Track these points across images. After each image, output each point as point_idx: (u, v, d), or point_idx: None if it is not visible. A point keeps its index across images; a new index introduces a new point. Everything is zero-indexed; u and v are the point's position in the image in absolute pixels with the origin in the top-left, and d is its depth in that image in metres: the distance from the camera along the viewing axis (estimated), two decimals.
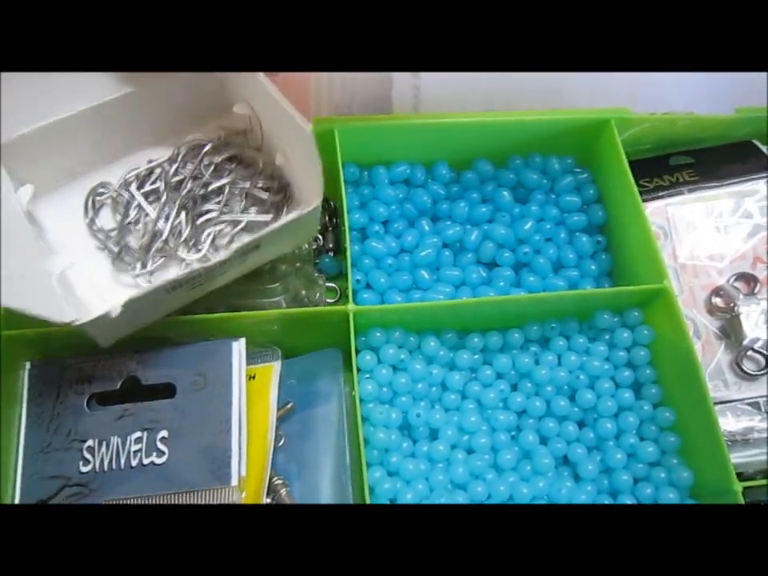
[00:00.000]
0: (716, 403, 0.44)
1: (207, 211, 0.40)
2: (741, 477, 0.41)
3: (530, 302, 0.44)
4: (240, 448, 0.38)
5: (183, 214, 0.40)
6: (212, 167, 0.41)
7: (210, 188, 0.40)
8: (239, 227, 0.40)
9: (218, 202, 0.41)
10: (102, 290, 0.39)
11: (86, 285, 0.39)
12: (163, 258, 0.39)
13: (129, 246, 0.40)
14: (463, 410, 0.44)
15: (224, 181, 0.41)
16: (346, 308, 0.41)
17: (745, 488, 0.38)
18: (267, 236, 0.36)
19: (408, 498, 0.39)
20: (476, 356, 0.46)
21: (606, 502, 0.42)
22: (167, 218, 0.39)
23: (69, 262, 0.39)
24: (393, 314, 0.43)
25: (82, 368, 0.40)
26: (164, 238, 0.39)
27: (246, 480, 0.38)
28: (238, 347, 0.40)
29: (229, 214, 0.40)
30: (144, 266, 0.39)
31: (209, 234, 0.40)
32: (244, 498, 0.37)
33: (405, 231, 0.49)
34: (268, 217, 0.40)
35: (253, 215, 0.40)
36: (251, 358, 0.44)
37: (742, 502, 0.38)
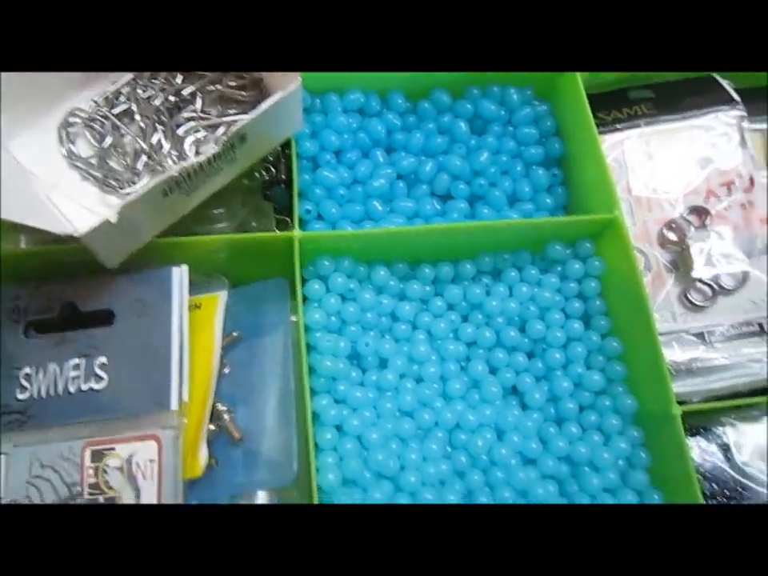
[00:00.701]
0: (663, 334, 0.45)
1: (185, 120, 0.39)
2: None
3: (481, 230, 0.44)
4: (181, 374, 0.37)
5: (161, 128, 0.39)
6: (179, 75, 0.40)
7: (182, 95, 0.39)
8: (221, 132, 0.39)
9: (194, 110, 0.40)
10: (93, 213, 0.38)
11: (76, 209, 0.38)
12: (151, 174, 0.38)
13: (113, 169, 0.38)
14: (413, 340, 0.44)
15: (194, 86, 0.39)
16: (291, 234, 0.40)
17: (684, 412, 0.39)
18: (251, 125, 0.35)
19: (354, 424, 0.39)
20: (427, 287, 0.46)
21: (552, 430, 0.43)
22: (146, 135, 0.38)
23: (53, 186, 0.38)
24: (341, 241, 0.42)
25: (19, 295, 0.39)
26: (147, 154, 0.38)
27: (188, 406, 0.37)
28: (179, 273, 0.39)
29: (207, 120, 0.39)
30: (132, 185, 0.38)
31: (191, 143, 0.39)
32: (186, 423, 0.37)
33: (358, 161, 0.48)
34: (248, 116, 0.39)
35: (231, 116, 0.39)
36: (197, 288, 0.43)
37: (681, 426, 0.38)
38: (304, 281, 0.43)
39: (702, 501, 0.37)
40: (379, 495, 0.37)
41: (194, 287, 0.43)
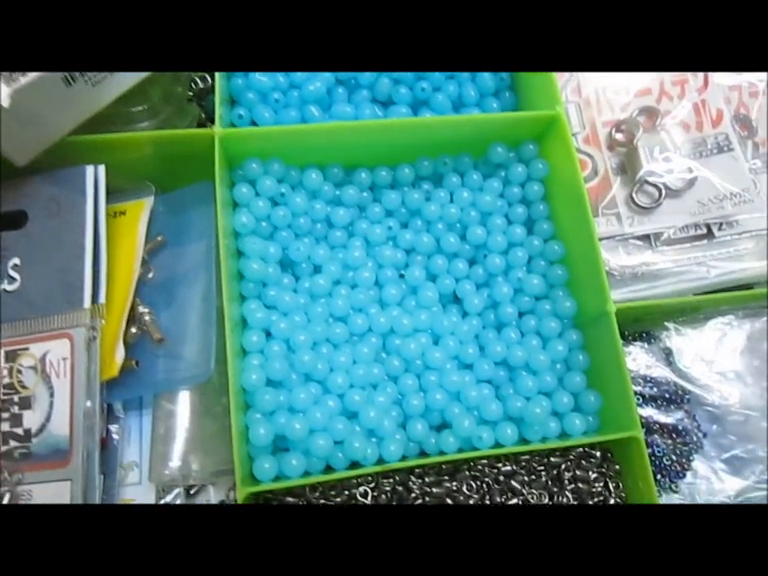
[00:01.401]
0: (608, 238, 0.44)
1: None
2: None
3: (419, 127, 0.42)
4: (97, 275, 0.36)
5: None
6: None
7: None
8: None
9: None
10: None
11: None
12: None
13: None
14: (349, 246, 0.43)
15: None
16: (212, 131, 0.38)
17: (624, 317, 0.38)
18: None
19: (282, 327, 0.38)
20: (364, 193, 0.44)
21: (490, 335, 0.42)
22: None
23: None
24: (268, 140, 0.40)
25: None
26: None
27: (106, 308, 0.36)
28: (93, 172, 0.37)
29: None
30: None
31: None
32: (104, 325, 0.36)
33: None
34: None
35: None
36: (124, 195, 0.42)
37: (615, 324, 0.37)
38: (234, 184, 0.41)
39: (633, 401, 0.36)
40: (304, 396, 0.36)
41: (121, 194, 0.42)
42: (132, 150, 0.39)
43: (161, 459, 0.35)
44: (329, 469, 0.37)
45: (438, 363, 0.40)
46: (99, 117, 0.39)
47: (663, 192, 0.43)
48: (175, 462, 0.35)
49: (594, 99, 0.46)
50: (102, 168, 0.38)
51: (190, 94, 0.45)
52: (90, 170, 0.37)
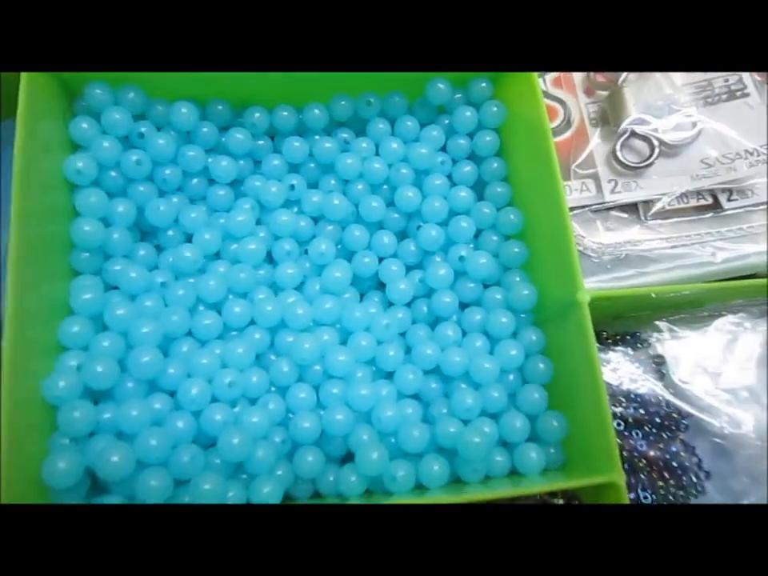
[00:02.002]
0: (581, 207, 0.33)
1: None
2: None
3: None
4: None
5: None
6: None
7: None
8: None
9: None
10: None
11: None
12: None
13: None
14: (234, 210, 0.31)
15: None
16: None
17: (596, 303, 0.27)
18: None
19: (118, 314, 0.27)
20: (260, 141, 0.33)
21: (421, 333, 0.31)
22: None
23: None
24: None
25: None
26: None
27: None
28: None
29: None
30: None
31: None
32: None
33: None
34: None
35: None
36: None
37: (588, 319, 0.27)
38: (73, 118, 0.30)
39: (611, 427, 0.25)
40: (136, 413, 0.25)
41: None
42: None
43: None
44: None
45: (344, 370, 0.29)
46: None
47: (657, 148, 0.32)
48: None
49: None
50: None
51: None
52: None
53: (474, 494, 0.25)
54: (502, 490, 0.26)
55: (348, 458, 0.28)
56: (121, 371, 0.26)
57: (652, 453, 0.30)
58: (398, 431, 0.28)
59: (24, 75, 0.26)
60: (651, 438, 0.30)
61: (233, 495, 0.25)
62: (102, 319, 0.28)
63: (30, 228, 0.25)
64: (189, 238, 0.31)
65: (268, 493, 0.26)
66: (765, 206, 0.33)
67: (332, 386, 0.28)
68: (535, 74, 0.30)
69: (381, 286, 0.33)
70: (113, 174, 0.30)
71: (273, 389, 0.29)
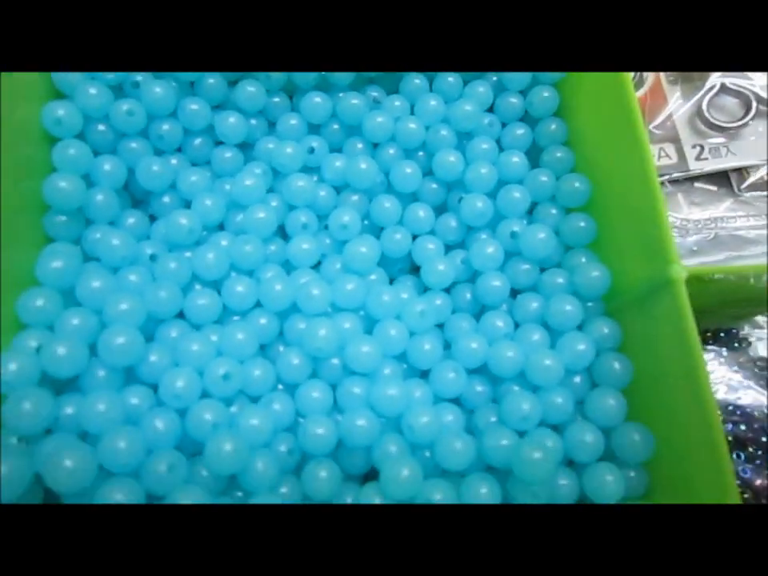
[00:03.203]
0: (660, 176, 0.27)
1: None
2: None
3: None
4: None
5: None
6: None
7: None
8: None
9: None
10: None
11: None
12: None
13: None
14: (242, 174, 0.26)
15: None
16: None
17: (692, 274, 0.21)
18: None
19: (92, 287, 0.22)
20: (276, 99, 0.28)
21: (464, 324, 0.25)
22: None
23: None
24: None
25: None
26: None
27: None
28: None
29: None
30: None
31: None
32: None
33: None
34: None
35: None
36: None
37: (686, 296, 0.21)
38: None
39: (724, 446, 0.19)
40: (103, 407, 0.20)
41: None
42: None
43: None
44: None
45: (368, 365, 0.23)
46: None
47: (754, 105, 0.26)
48: None
49: None
50: None
51: None
52: None
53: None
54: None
55: (371, 475, 0.23)
56: (90, 356, 0.21)
57: (759, 481, 0.24)
58: (434, 443, 0.22)
59: None
60: (757, 461, 0.24)
61: None
62: (73, 294, 0.23)
63: None
64: (187, 205, 0.26)
65: None
66: None
67: (353, 384, 0.23)
68: None
69: (415, 268, 0.28)
70: (100, 126, 0.26)
71: (279, 386, 0.24)
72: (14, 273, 0.23)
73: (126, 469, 0.19)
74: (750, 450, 0.24)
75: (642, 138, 0.23)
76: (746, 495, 0.23)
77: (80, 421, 0.20)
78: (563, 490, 0.22)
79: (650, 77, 0.29)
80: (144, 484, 0.19)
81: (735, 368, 0.25)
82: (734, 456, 0.24)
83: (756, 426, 0.24)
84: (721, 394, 0.25)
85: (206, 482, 0.21)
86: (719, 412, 0.25)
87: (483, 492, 0.21)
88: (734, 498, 0.19)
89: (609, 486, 0.22)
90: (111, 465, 0.19)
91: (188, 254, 0.25)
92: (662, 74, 0.29)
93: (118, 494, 0.19)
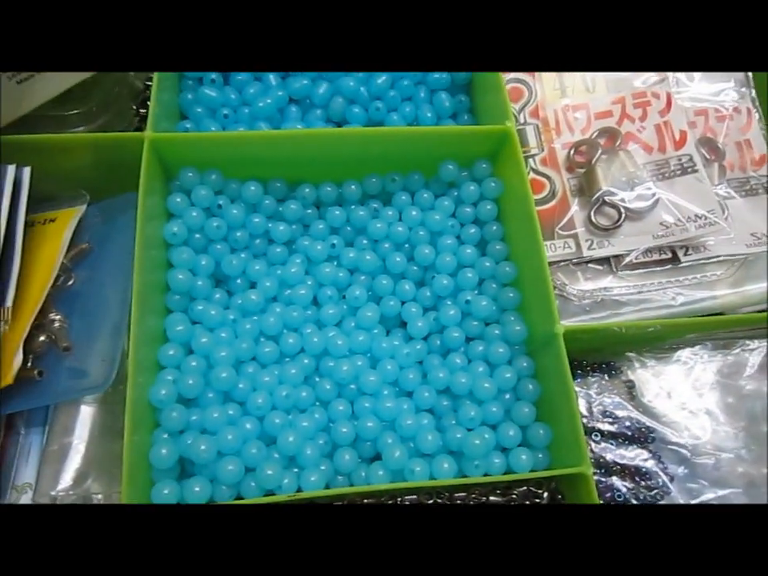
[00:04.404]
0: (565, 261, 0.41)
1: None
2: None
3: (366, 138, 0.40)
4: (8, 278, 0.34)
5: None
6: None
7: None
8: None
9: None
10: None
11: None
12: None
13: None
14: (288, 263, 0.40)
15: None
16: (142, 134, 0.37)
17: (567, 330, 0.34)
18: None
19: (203, 342, 0.36)
20: (308, 210, 0.42)
21: (435, 361, 0.39)
22: None
23: None
24: (204, 148, 0.39)
25: None
26: None
27: (13, 313, 0.34)
28: (13, 173, 0.36)
29: None
30: None
31: None
32: (7, 330, 0.33)
33: (247, 83, 0.45)
34: None
35: None
36: (57, 203, 0.40)
37: (563, 347, 0.34)
38: (170, 195, 0.39)
39: (582, 433, 0.32)
40: (217, 415, 0.33)
41: (55, 202, 0.40)
42: (64, 154, 0.38)
43: (50, 478, 0.32)
44: (239, 500, 0.33)
45: (373, 388, 0.36)
46: (31, 118, 0.38)
47: (623, 213, 0.40)
48: (66, 483, 0.32)
49: (552, 120, 0.44)
50: (26, 170, 0.36)
51: (134, 108, 0.44)
52: (11, 169, 0.36)
53: (472, 479, 0.33)
54: (497, 476, 0.33)
55: (376, 458, 0.36)
56: (204, 384, 0.35)
57: (625, 461, 0.37)
58: (415, 436, 0.35)
59: (143, 163, 0.36)
60: (624, 448, 0.37)
61: (287, 482, 0.33)
62: (189, 345, 0.36)
63: (142, 276, 0.34)
64: (253, 285, 0.40)
65: (314, 482, 0.33)
66: (716, 259, 0.40)
67: (364, 401, 0.36)
68: (522, 159, 0.39)
69: (403, 323, 0.41)
70: (198, 235, 0.39)
71: (317, 403, 0.37)
72: (148, 332, 0.36)
73: (232, 451, 0.33)
74: (620, 440, 0.37)
75: (538, 238, 0.36)
76: (615, 468, 0.36)
77: (202, 423, 0.33)
78: (495, 465, 0.35)
79: (559, 192, 0.43)
80: (243, 461, 0.33)
81: (611, 387, 0.39)
82: (609, 444, 0.37)
83: (624, 425, 0.37)
84: (602, 405, 0.38)
85: (278, 460, 0.34)
86: (599, 416, 0.38)
87: (445, 467, 0.34)
88: (585, 457, 0.32)
89: (524, 461, 0.35)
90: (223, 449, 0.32)
91: (255, 318, 0.39)
92: (567, 190, 0.43)
93: (230, 466, 0.32)
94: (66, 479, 0.32)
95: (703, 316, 0.40)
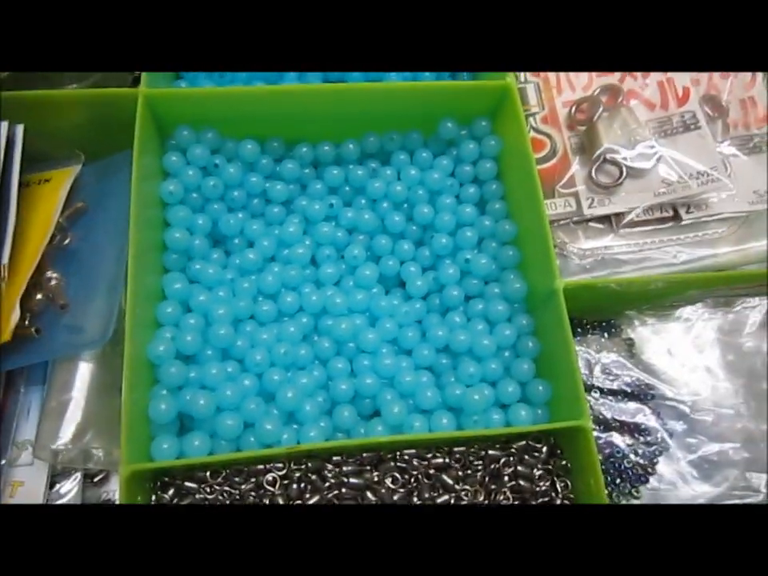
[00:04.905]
0: (565, 219, 0.41)
1: None
2: None
3: (364, 94, 0.39)
4: (5, 233, 0.34)
5: None
6: None
7: None
8: None
9: None
10: None
11: None
12: None
13: None
14: (286, 223, 0.40)
15: None
16: (136, 90, 0.36)
17: (566, 285, 0.34)
18: None
19: (200, 300, 0.35)
20: (306, 170, 0.42)
21: (434, 319, 0.38)
22: None
23: None
24: (200, 105, 0.38)
25: None
26: None
27: (10, 270, 0.34)
28: (6, 129, 0.35)
29: None
30: None
31: None
32: (3, 288, 0.33)
33: None
34: None
35: None
36: (52, 163, 0.40)
37: (563, 303, 0.34)
38: (165, 153, 0.39)
39: (581, 386, 0.32)
40: (215, 371, 0.33)
41: (50, 162, 0.40)
42: (57, 112, 0.37)
43: (49, 434, 0.32)
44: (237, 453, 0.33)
45: (372, 346, 0.36)
46: (25, 76, 0.37)
47: (624, 171, 0.40)
48: (66, 438, 0.32)
49: (553, 79, 0.44)
50: (19, 127, 0.36)
51: None
52: (3, 126, 0.35)
53: (471, 432, 0.33)
54: (495, 429, 0.33)
55: (375, 416, 0.36)
56: (203, 342, 0.35)
57: (624, 417, 0.37)
58: (414, 393, 0.35)
59: (138, 120, 0.35)
60: (623, 403, 0.37)
61: (286, 437, 0.33)
62: (187, 304, 0.36)
63: (139, 234, 0.34)
64: (251, 245, 0.39)
65: (313, 437, 0.33)
66: (717, 217, 0.40)
67: (363, 358, 0.36)
68: (522, 115, 0.38)
69: (402, 284, 0.40)
70: (194, 195, 0.39)
71: (316, 361, 0.37)
72: (146, 291, 0.36)
73: (231, 407, 0.33)
74: (619, 397, 0.37)
75: (538, 195, 0.36)
76: (615, 425, 0.37)
77: (201, 379, 0.33)
78: (495, 421, 0.35)
79: (560, 150, 0.42)
80: (242, 416, 0.33)
81: (611, 345, 0.38)
82: (609, 401, 0.37)
83: (623, 381, 0.37)
84: (602, 362, 0.38)
85: (277, 416, 0.34)
86: (599, 374, 0.38)
87: (444, 422, 0.34)
88: (585, 411, 0.32)
89: (523, 417, 0.35)
90: (223, 404, 0.32)
91: (253, 277, 0.38)
92: (567, 148, 0.42)
93: (229, 421, 0.32)
94: (66, 434, 0.32)
95: None
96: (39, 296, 0.34)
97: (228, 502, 0.31)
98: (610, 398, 0.37)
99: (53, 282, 0.34)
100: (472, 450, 0.34)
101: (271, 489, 0.31)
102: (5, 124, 0.35)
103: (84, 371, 0.34)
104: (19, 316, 0.32)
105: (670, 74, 0.42)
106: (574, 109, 0.42)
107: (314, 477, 0.32)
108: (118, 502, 0.29)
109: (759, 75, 0.44)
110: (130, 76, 0.42)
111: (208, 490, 0.32)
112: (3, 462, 0.33)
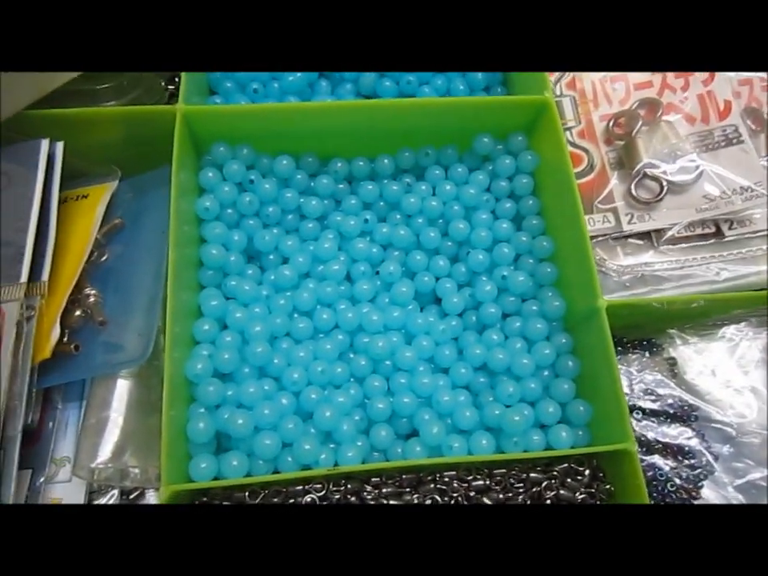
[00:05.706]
0: (603, 236, 0.40)
1: None
2: None
3: (399, 110, 0.39)
4: (43, 252, 0.34)
5: None
6: None
7: None
8: None
9: None
10: None
11: None
12: None
13: None
14: (320, 239, 0.40)
15: None
16: (174, 108, 0.36)
17: (609, 304, 0.33)
18: None
19: (237, 317, 0.35)
20: (340, 185, 0.41)
21: (471, 338, 0.38)
22: None
23: None
24: (236, 122, 0.38)
25: None
26: None
27: (49, 287, 0.34)
28: (47, 147, 0.35)
29: None
30: None
31: None
32: (43, 304, 0.33)
33: None
34: None
35: None
36: (89, 179, 0.40)
37: (606, 322, 0.33)
38: (201, 170, 0.39)
39: (626, 409, 0.32)
40: (253, 390, 0.33)
41: (88, 178, 0.40)
42: (95, 129, 0.38)
43: (88, 452, 0.32)
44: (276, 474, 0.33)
45: (409, 364, 0.36)
46: (62, 93, 0.38)
47: (665, 186, 0.39)
48: (105, 456, 0.32)
49: (590, 92, 0.43)
50: (59, 145, 0.36)
51: (162, 83, 0.43)
52: (44, 144, 0.35)
53: (512, 455, 0.32)
54: (537, 452, 0.32)
55: (412, 435, 0.35)
56: (239, 360, 0.34)
57: (667, 439, 0.36)
58: (453, 413, 0.35)
59: (176, 137, 0.35)
60: (666, 426, 0.36)
61: (324, 458, 0.33)
62: (223, 321, 0.36)
63: (177, 251, 0.34)
64: (286, 261, 0.39)
65: (351, 457, 0.33)
66: (762, 233, 0.39)
67: (400, 377, 0.36)
68: (561, 130, 0.38)
69: (438, 300, 0.40)
70: (230, 211, 0.39)
71: (352, 379, 0.37)
72: (183, 307, 0.36)
73: (269, 426, 0.32)
74: (662, 418, 0.36)
75: (579, 211, 0.35)
76: (657, 447, 0.36)
77: (238, 398, 0.33)
78: (535, 443, 0.34)
79: (597, 165, 0.42)
80: (280, 435, 0.32)
81: (653, 365, 0.38)
82: (651, 422, 0.36)
83: (666, 402, 0.37)
84: (643, 382, 0.37)
85: (314, 435, 0.33)
86: (641, 394, 0.37)
87: (484, 443, 0.34)
88: (630, 434, 0.31)
89: (564, 439, 0.34)
90: (260, 424, 0.32)
91: (289, 294, 0.38)
92: (606, 163, 0.41)
93: (267, 440, 0.32)
94: (105, 452, 0.32)
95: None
96: (78, 312, 0.34)
97: None
98: (653, 419, 0.36)
99: (91, 299, 0.35)
100: (513, 472, 0.33)
101: None
102: (45, 141, 0.35)
103: (122, 389, 0.33)
104: (59, 333, 0.32)
105: (710, 87, 0.42)
106: (611, 123, 0.42)
107: (353, 498, 0.31)
108: None
109: None
110: (165, 93, 0.42)
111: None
112: (42, 479, 0.33)
